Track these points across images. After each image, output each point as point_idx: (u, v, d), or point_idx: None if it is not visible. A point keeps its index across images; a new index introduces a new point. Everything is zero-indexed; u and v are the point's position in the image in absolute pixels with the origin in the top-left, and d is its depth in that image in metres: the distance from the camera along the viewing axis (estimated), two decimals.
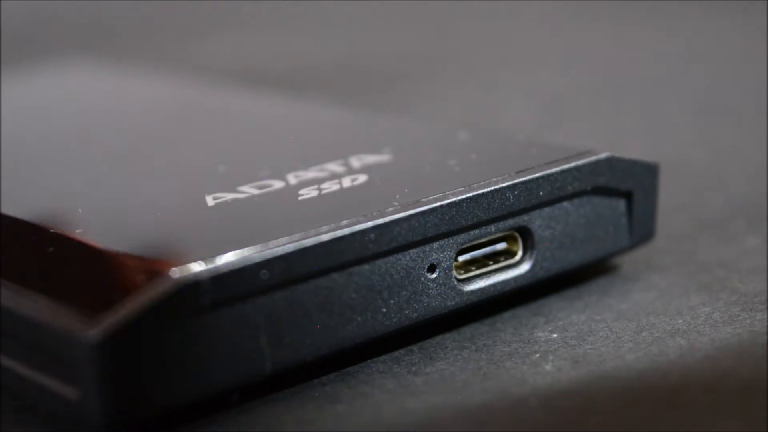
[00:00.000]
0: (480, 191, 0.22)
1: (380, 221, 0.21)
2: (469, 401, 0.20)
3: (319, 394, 0.21)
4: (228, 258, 0.19)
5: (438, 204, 0.21)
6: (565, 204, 0.23)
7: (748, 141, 0.33)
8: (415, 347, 0.22)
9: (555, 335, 0.22)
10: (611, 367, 0.21)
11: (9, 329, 0.20)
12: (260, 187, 0.23)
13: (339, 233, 0.20)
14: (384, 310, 0.21)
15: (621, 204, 0.24)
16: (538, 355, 0.22)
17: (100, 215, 0.22)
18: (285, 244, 0.20)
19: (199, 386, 0.19)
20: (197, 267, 0.19)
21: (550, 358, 0.21)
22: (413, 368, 0.21)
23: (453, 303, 0.22)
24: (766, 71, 0.39)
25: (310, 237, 0.20)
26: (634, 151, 0.24)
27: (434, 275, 0.22)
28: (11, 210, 0.23)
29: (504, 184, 0.22)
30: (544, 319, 0.23)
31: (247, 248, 0.20)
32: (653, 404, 0.20)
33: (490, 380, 0.21)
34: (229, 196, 0.22)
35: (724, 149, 0.33)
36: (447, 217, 0.21)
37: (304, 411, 0.20)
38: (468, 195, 0.22)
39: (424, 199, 0.21)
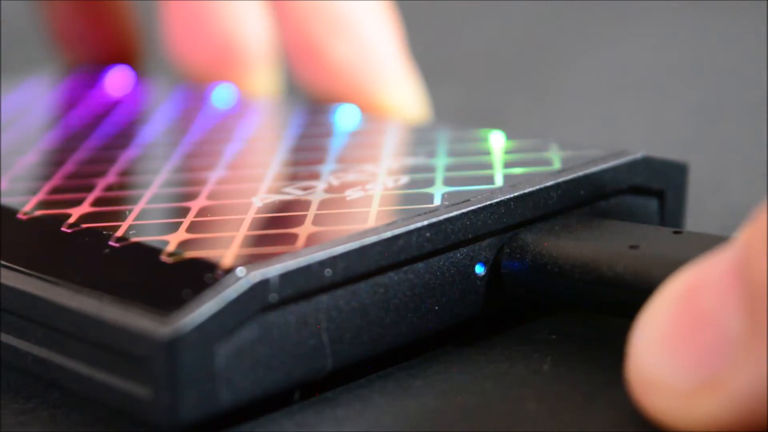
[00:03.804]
0: (526, 190, 0.22)
1: (435, 219, 0.21)
2: (469, 403, 0.20)
3: (319, 398, 0.21)
4: (295, 256, 0.20)
5: (488, 203, 0.22)
6: (602, 203, 0.23)
7: (748, 144, 0.33)
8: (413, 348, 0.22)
9: (554, 336, 0.22)
10: (611, 367, 0.21)
11: (73, 330, 0.20)
12: (304, 189, 0.23)
13: (399, 231, 0.21)
14: (436, 308, 0.21)
15: (653, 203, 0.24)
16: (536, 355, 0.22)
17: (154, 217, 0.23)
18: (348, 242, 0.20)
19: (264, 383, 0.20)
20: (266, 265, 0.19)
21: (549, 359, 0.21)
22: (412, 370, 0.21)
23: (502, 301, 0.22)
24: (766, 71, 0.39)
25: (372, 235, 0.20)
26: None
27: (482, 273, 0.22)
28: (71, 213, 0.23)
29: (548, 183, 0.23)
30: (543, 319, 0.23)
31: (311, 246, 0.20)
32: None
33: (489, 381, 0.21)
34: (276, 197, 0.23)
35: (724, 153, 0.33)
36: (495, 216, 0.22)
37: (304, 415, 0.20)
38: (515, 194, 0.22)
39: (473, 198, 0.22)
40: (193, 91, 0.32)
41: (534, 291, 0.22)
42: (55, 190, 0.25)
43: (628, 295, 0.20)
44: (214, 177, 0.25)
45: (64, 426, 0.20)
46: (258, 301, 0.19)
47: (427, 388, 0.21)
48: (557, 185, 0.23)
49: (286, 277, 0.19)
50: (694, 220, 0.27)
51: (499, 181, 0.23)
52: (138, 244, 0.21)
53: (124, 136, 0.28)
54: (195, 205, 0.23)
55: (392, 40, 0.31)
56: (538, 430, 0.19)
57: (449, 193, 0.22)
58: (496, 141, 0.26)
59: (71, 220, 0.23)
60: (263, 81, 0.34)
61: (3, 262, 0.21)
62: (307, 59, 0.31)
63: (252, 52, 0.34)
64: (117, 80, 0.33)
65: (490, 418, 0.20)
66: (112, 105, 0.31)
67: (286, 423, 0.20)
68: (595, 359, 0.21)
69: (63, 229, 0.22)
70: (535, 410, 0.20)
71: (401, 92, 0.31)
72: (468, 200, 0.22)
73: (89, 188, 0.24)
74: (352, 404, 0.20)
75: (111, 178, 0.25)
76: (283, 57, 0.32)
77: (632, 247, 0.21)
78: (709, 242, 0.20)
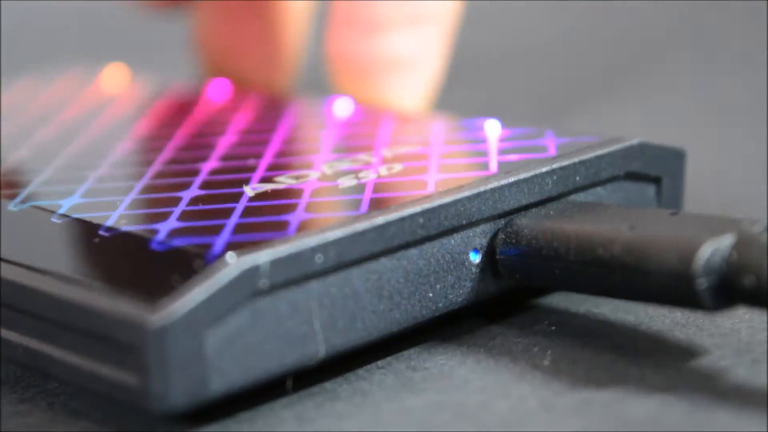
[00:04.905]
0: (521, 176, 0.22)
1: (429, 206, 0.21)
2: (468, 398, 0.20)
3: (318, 392, 0.20)
4: (285, 242, 0.19)
5: (482, 189, 0.22)
6: (599, 189, 0.23)
7: (749, 140, 0.33)
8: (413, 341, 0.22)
9: (554, 328, 0.22)
10: (612, 363, 0.21)
11: (63, 319, 0.20)
12: (296, 177, 0.23)
13: (391, 217, 0.20)
14: (430, 294, 0.21)
15: (651, 189, 0.24)
16: (536, 349, 0.22)
17: (145, 207, 0.23)
18: (339, 228, 0.20)
19: (256, 370, 0.19)
20: (256, 251, 0.19)
21: (549, 353, 0.21)
22: (412, 363, 0.21)
23: (495, 288, 0.22)
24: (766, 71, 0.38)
25: (364, 221, 0.20)
26: None
27: (477, 260, 0.22)
28: (61, 204, 0.23)
29: (543, 170, 0.22)
30: (542, 313, 0.23)
31: (302, 232, 0.20)
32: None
33: (490, 376, 0.21)
34: (269, 186, 0.23)
35: (724, 148, 0.33)
36: (490, 202, 0.22)
37: (303, 408, 0.20)
38: (510, 180, 0.22)
39: (467, 185, 0.22)
40: (190, 85, 0.32)
41: (530, 276, 0.22)
42: (46, 182, 0.24)
43: (625, 276, 0.20)
44: (206, 168, 0.25)
45: (63, 415, 0.20)
46: (248, 287, 0.19)
47: (427, 382, 0.21)
48: (552, 171, 0.22)
49: (276, 263, 0.19)
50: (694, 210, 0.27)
51: (494, 168, 0.23)
52: (128, 233, 0.21)
53: (119, 130, 0.28)
54: (186, 195, 0.23)
55: (447, 47, 0.31)
56: (539, 428, 0.19)
57: (443, 180, 0.22)
58: (492, 129, 0.26)
59: (61, 211, 0.22)
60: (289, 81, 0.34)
61: None
62: (357, 40, 0.30)
63: (293, 54, 0.33)
64: (113, 78, 0.33)
65: (490, 414, 0.20)
66: (108, 101, 0.31)
67: (286, 416, 0.20)
68: (597, 354, 0.21)
69: (53, 219, 0.22)
70: (535, 407, 0.20)
71: (422, 98, 0.31)
72: (462, 186, 0.22)
73: (81, 180, 0.24)
74: (351, 398, 0.20)
75: (103, 170, 0.25)
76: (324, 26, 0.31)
77: (628, 227, 0.21)
78: (705, 222, 0.20)
